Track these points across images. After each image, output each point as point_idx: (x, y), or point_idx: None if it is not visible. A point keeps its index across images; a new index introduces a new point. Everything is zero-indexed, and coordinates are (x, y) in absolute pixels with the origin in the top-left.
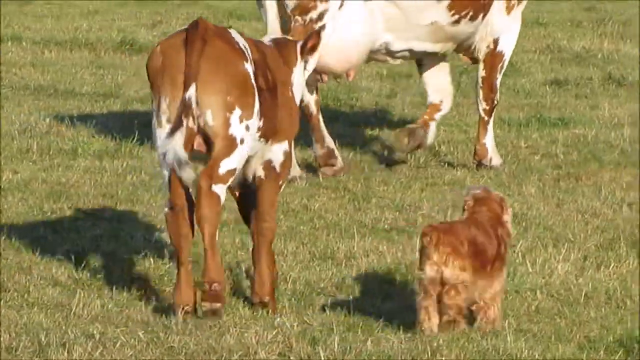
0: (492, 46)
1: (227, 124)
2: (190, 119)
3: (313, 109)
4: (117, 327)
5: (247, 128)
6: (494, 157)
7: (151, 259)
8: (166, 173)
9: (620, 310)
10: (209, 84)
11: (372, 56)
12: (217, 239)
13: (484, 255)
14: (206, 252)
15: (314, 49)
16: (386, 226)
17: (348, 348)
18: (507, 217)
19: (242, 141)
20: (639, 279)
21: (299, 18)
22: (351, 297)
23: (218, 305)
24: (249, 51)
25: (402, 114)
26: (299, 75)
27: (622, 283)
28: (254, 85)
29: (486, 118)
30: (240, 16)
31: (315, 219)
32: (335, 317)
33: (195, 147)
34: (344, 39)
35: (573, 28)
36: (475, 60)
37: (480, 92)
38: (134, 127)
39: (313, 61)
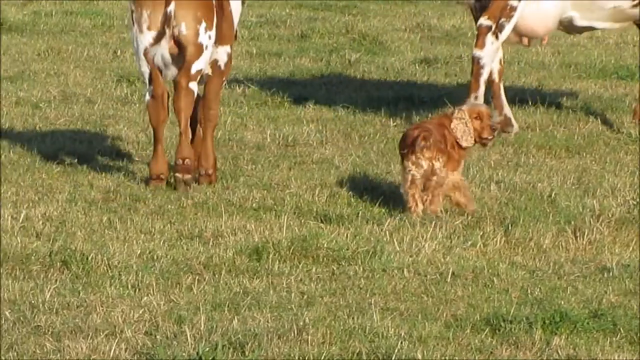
0: None
1: (197, 33)
2: (170, 28)
3: (495, 77)
4: None
5: (210, 37)
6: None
7: (18, 238)
8: (147, 70)
9: (487, 289)
10: (184, 2)
11: (557, 26)
12: (189, 124)
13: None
14: (180, 135)
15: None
16: (254, 205)
17: (214, 327)
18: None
19: (206, 47)
20: (506, 257)
21: None
22: (218, 275)
23: (188, 176)
24: None
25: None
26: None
27: (489, 261)
28: (214, 4)
29: None
30: None
31: (183, 197)
32: (202, 296)
33: (169, 51)
34: (542, 7)
35: (443, 7)
36: None
37: None
38: None
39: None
